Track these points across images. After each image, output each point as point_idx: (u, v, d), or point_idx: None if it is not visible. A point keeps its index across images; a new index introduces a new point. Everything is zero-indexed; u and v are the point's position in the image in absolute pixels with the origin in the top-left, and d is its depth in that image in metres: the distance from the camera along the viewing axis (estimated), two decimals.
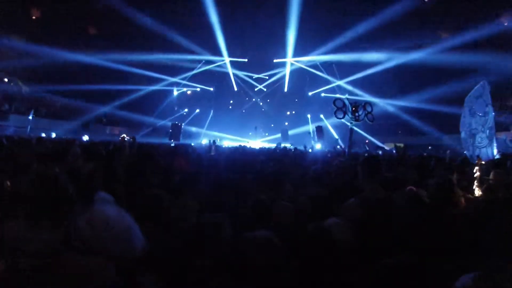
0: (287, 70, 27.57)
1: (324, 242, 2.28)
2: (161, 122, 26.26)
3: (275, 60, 27.00)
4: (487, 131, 8.38)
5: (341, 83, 26.72)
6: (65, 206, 1.94)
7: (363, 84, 25.50)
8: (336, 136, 23.32)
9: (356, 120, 11.05)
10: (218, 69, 27.66)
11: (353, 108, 11.00)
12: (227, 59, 26.68)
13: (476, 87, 8.74)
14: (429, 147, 21.62)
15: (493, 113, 8.47)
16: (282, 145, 19.08)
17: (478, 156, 7.23)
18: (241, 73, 28.61)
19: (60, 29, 21.42)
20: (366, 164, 3.50)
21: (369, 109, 11.26)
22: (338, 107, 11.28)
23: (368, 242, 2.44)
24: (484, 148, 8.31)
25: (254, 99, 30.03)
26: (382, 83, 25.01)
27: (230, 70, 27.62)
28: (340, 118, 11.49)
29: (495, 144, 8.31)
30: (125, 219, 1.54)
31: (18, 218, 2.11)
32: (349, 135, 11.12)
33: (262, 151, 11.01)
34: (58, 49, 20.84)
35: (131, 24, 21.76)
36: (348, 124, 11.23)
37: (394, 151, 13.73)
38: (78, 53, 21.51)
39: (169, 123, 22.73)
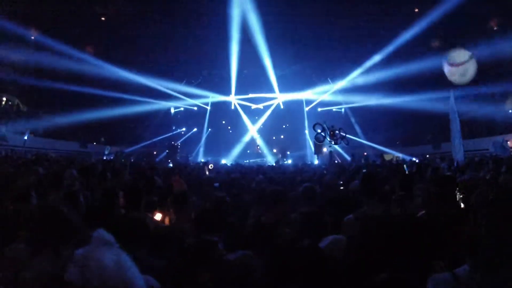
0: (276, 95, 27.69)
1: (317, 260, 2.30)
2: (156, 140, 26.20)
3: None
4: (458, 137, 9.24)
5: (335, 88, 26.55)
6: (67, 236, 1.97)
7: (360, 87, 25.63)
8: (340, 151, 23.39)
9: (335, 143, 12.02)
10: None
11: (331, 132, 11.82)
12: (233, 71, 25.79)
13: (450, 96, 9.44)
14: (427, 156, 21.60)
15: (458, 121, 9.21)
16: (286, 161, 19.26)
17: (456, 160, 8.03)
18: (238, 98, 28.53)
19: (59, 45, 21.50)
20: (366, 180, 3.54)
21: (343, 133, 12.21)
22: (318, 132, 12.12)
23: (366, 258, 2.44)
24: (459, 153, 9.05)
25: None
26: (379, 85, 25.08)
27: (233, 86, 27.09)
28: (321, 142, 12.24)
29: (463, 150, 9.09)
30: (123, 269, 1.40)
31: (20, 242, 2.14)
32: (329, 158, 11.89)
33: (260, 169, 11.02)
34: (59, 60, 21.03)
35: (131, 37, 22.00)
36: (327, 147, 12.08)
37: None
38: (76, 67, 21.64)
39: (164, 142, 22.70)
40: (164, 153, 21.37)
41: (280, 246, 2.62)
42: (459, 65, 3.36)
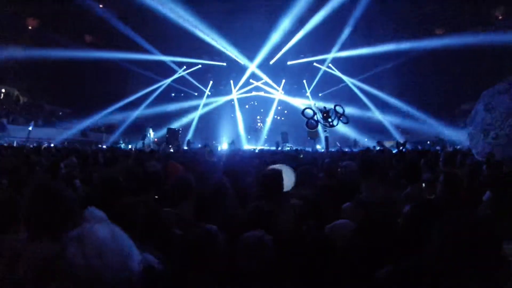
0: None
1: (324, 247, 2.27)
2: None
3: (271, 62, 26.68)
4: (507, 128, 7.61)
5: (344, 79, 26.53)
6: (65, 216, 1.96)
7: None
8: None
9: (330, 126, 10.62)
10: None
11: (324, 114, 10.54)
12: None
13: (501, 83, 8.04)
14: (428, 142, 21.52)
15: None
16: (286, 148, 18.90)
17: (490, 153, 6.95)
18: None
19: (56, 37, 21.32)
20: (363, 163, 3.41)
21: (340, 111, 10.72)
22: (308, 118, 10.89)
23: (367, 246, 2.39)
24: (500, 146, 7.52)
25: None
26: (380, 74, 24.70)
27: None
28: (313, 129, 10.99)
29: None
30: (119, 241, 1.42)
31: (18, 231, 2.14)
32: (325, 143, 10.71)
33: (261, 153, 10.71)
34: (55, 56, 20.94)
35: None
36: (322, 133, 10.61)
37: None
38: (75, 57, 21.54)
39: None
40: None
41: (283, 232, 2.59)
42: None
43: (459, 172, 3.67)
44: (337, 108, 10.83)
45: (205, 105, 28.02)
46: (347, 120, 11.10)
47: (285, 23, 22.64)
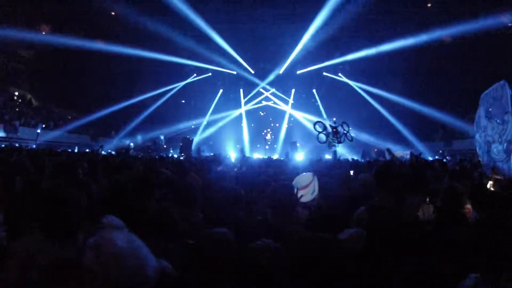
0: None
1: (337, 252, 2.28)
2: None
3: (280, 71, 26.65)
4: (505, 144, 6.99)
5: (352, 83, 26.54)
6: (77, 222, 2.00)
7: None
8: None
9: (338, 142, 10.99)
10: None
11: (334, 129, 10.96)
12: None
13: (494, 86, 7.38)
14: (440, 151, 21.36)
15: None
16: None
17: (493, 169, 6.72)
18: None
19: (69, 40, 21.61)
20: (379, 172, 3.46)
21: (346, 128, 11.20)
22: (319, 131, 11.30)
23: (376, 250, 2.41)
24: (500, 162, 7.02)
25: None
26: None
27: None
28: (323, 143, 11.35)
29: None
30: (136, 249, 1.47)
31: (32, 233, 2.18)
32: (334, 156, 10.93)
33: (270, 162, 10.71)
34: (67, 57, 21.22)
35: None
36: (333, 146, 10.97)
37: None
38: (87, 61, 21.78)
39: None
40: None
41: (298, 239, 2.59)
42: (306, 186, 3.59)
43: (460, 187, 3.66)
44: (344, 125, 11.23)
45: (215, 121, 28.17)
46: (352, 138, 11.54)
47: (293, 32, 22.78)
